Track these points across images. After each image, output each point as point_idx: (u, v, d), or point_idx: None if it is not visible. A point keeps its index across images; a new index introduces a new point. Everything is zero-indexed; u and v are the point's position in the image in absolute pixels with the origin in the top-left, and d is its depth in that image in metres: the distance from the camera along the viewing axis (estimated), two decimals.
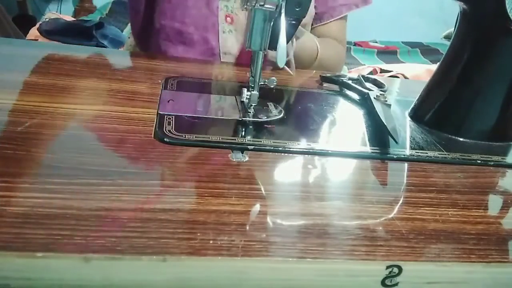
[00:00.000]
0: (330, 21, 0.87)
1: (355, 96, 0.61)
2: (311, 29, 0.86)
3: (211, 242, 0.29)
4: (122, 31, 1.80)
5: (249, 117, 0.48)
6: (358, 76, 0.64)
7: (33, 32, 1.87)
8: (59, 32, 1.86)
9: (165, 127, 0.43)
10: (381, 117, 0.49)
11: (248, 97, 0.48)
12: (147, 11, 0.80)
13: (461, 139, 0.51)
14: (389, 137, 0.45)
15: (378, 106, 0.52)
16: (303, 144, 0.44)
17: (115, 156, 0.37)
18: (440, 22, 2.29)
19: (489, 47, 0.51)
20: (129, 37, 0.96)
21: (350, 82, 0.62)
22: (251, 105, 0.49)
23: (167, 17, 0.77)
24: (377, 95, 0.55)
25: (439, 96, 0.55)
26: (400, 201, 0.38)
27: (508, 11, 0.47)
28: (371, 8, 0.89)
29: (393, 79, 1.15)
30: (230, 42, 0.78)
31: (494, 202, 0.40)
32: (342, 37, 0.90)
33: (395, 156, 0.45)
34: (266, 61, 0.63)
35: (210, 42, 0.78)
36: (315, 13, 0.86)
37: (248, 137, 0.44)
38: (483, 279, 0.32)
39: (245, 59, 0.76)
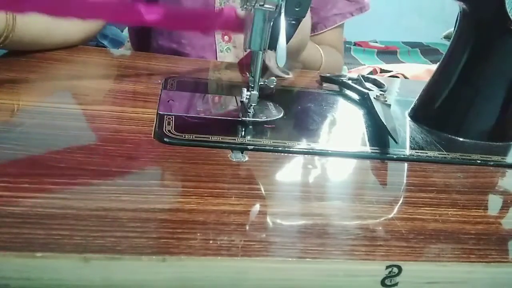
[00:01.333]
0: (324, 31, 0.85)
1: (355, 96, 0.61)
2: None
3: (211, 242, 0.29)
4: (122, 31, 1.80)
5: (249, 117, 0.48)
6: (358, 76, 0.64)
7: None
8: None
9: (165, 127, 0.43)
10: (381, 117, 0.49)
11: (248, 97, 0.48)
12: (144, 30, 0.80)
13: (461, 139, 0.51)
14: (389, 137, 0.45)
15: (378, 106, 0.52)
16: (303, 144, 0.44)
17: (115, 156, 0.37)
18: (440, 22, 2.29)
19: (489, 47, 0.51)
20: (128, 41, 0.96)
21: (350, 82, 0.62)
22: (251, 105, 0.49)
23: (164, 38, 0.77)
24: (377, 95, 0.55)
25: (439, 96, 0.55)
26: (400, 201, 0.38)
27: (508, 11, 0.47)
28: (371, 8, 0.88)
29: (393, 79, 1.15)
30: (228, 60, 0.78)
31: (494, 202, 0.40)
32: (339, 45, 0.89)
33: (395, 156, 0.45)
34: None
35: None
36: None
37: (248, 137, 0.44)
38: (483, 279, 0.32)
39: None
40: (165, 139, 0.41)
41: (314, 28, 0.85)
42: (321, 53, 0.79)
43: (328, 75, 0.67)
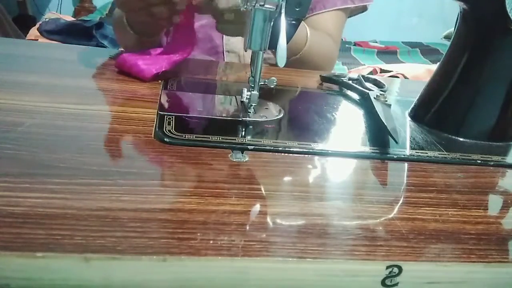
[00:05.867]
0: (323, 12, 0.82)
1: (355, 96, 0.61)
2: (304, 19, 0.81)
3: (211, 242, 0.29)
4: None
5: (249, 117, 0.48)
6: (358, 76, 0.64)
7: (33, 32, 1.88)
8: (59, 32, 1.86)
9: (165, 127, 0.43)
10: (381, 117, 0.49)
11: (248, 97, 0.48)
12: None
13: (461, 139, 0.51)
14: (389, 137, 0.45)
15: (378, 106, 0.52)
16: (303, 144, 0.44)
17: (115, 156, 0.37)
18: (440, 22, 2.30)
19: (489, 47, 0.51)
20: None
21: (350, 82, 0.62)
22: (251, 105, 0.49)
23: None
24: (377, 95, 0.55)
25: (439, 96, 0.55)
26: (400, 201, 0.38)
27: (508, 11, 0.47)
28: (371, 8, 0.88)
29: (393, 79, 1.15)
30: (233, 39, 0.78)
31: (494, 202, 0.40)
32: (336, 33, 0.84)
33: (395, 156, 0.45)
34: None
35: (214, 40, 0.78)
36: None
37: (248, 137, 0.44)
38: (483, 279, 0.32)
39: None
40: (165, 139, 0.41)
41: (312, 7, 0.81)
42: (307, 32, 0.74)
43: (328, 75, 0.67)
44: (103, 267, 0.26)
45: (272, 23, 0.45)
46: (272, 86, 0.50)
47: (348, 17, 0.88)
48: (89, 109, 0.46)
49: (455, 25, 0.54)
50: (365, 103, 0.57)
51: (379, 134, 0.48)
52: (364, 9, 0.87)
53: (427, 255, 0.31)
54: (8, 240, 0.26)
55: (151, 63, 0.56)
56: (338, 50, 0.88)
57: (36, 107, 0.44)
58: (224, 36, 0.78)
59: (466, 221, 0.36)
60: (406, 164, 0.44)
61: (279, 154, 0.42)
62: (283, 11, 0.44)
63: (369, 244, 0.31)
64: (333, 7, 0.82)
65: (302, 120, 0.52)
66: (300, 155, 0.43)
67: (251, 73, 0.48)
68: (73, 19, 2.18)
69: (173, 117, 0.46)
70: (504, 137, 0.52)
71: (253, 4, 0.43)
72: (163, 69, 0.56)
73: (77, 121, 0.43)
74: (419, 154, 0.46)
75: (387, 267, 0.30)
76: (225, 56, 0.79)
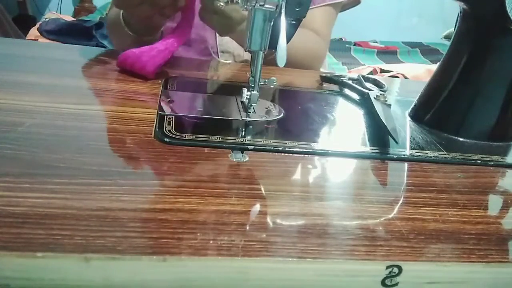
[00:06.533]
0: (311, 8, 0.78)
1: (355, 96, 0.61)
2: None
3: (211, 242, 0.29)
4: None
5: (249, 117, 0.48)
6: (358, 76, 0.64)
7: (33, 32, 1.88)
8: (59, 32, 1.86)
9: (165, 127, 0.43)
10: (381, 117, 0.49)
11: (248, 97, 0.48)
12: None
13: (461, 139, 0.52)
14: (389, 137, 0.45)
15: (378, 106, 0.52)
16: (303, 144, 0.44)
17: (115, 156, 0.37)
18: (440, 22, 2.30)
19: (489, 47, 0.51)
20: None
21: (350, 82, 0.62)
22: (251, 105, 0.49)
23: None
24: (377, 95, 0.55)
25: (439, 96, 0.55)
26: (400, 201, 0.38)
27: (508, 11, 0.47)
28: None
29: (393, 79, 1.15)
30: (227, 39, 0.78)
31: (494, 202, 0.40)
32: (324, 30, 0.82)
33: (395, 156, 0.45)
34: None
35: (208, 40, 0.78)
36: None
37: (248, 137, 0.44)
38: (483, 279, 0.32)
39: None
40: (165, 139, 0.41)
41: None
42: None
43: (328, 75, 0.67)
44: (103, 267, 0.26)
45: (272, 23, 0.45)
46: (272, 86, 0.50)
47: (341, 11, 0.85)
48: (89, 109, 0.46)
49: (455, 25, 0.54)
50: (365, 103, 0.57)
51: (379, 134, 0.48)
52: (357, 2, 0.85)
53: (427, 255, 0.31)
54: (8, 240, 0.26)
55: (155, 54, 0.56)
56: (327, 47, 0.85)
57: (36, 107, 0.44)
58: (217, 36, 0.78)
59: (466, 221, 0.36)
60: (406, 164, 0.44)
61: (279, 154, 0.42)
62: (283, 11, 0.44)
63: (369, 244, 0.31)
64: (322, 3, 0.80)
65: (302, 120, 0.52)
66: (300, 155, 0.43)
67: (251, 73, 0.48)
68: (73, 19, 2.18)
69: (173, 117, 0.46)
70: (504, 137, 0.52)
71: (253, 4, 0.43)
72: (167, 58, 0.56)
73: (77, 121, 0.43)
74: (419, 154, 0.46)
75: (387, 267, 0.30)
76: (219, 56, 0.79)
